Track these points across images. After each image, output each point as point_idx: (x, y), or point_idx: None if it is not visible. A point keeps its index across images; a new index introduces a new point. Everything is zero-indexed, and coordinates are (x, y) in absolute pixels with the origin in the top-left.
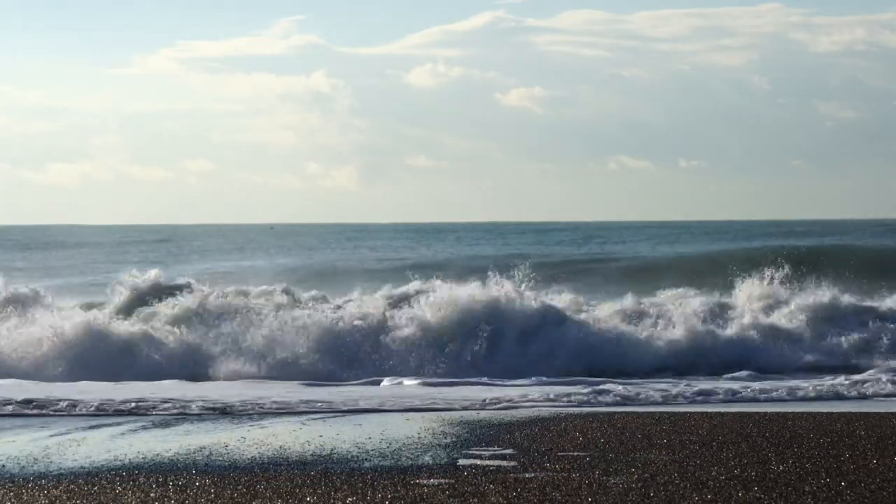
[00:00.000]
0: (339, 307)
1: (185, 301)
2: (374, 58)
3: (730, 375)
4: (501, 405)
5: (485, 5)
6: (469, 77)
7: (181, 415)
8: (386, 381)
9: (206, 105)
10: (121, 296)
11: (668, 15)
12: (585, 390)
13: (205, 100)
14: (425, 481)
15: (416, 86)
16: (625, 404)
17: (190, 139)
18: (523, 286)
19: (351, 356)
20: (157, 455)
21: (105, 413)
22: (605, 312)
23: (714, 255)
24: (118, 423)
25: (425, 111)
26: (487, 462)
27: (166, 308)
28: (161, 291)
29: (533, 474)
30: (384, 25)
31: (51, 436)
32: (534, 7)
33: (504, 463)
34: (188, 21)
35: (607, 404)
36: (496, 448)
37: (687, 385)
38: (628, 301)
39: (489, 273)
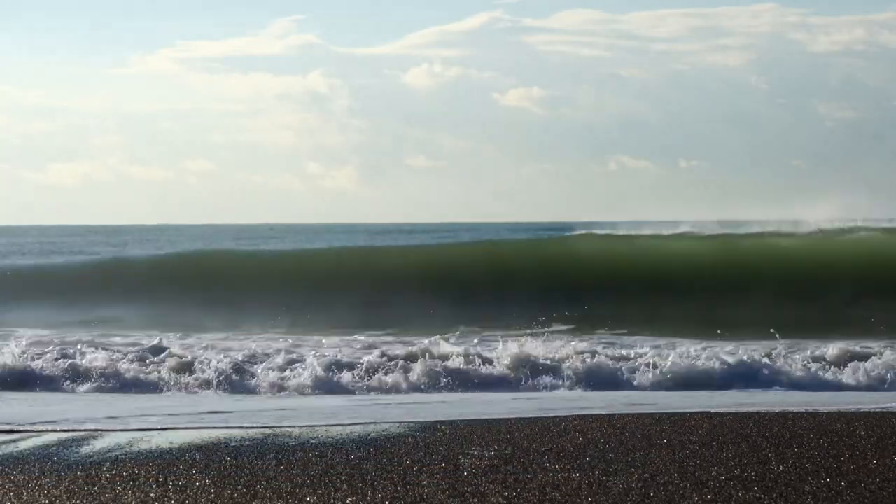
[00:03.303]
0: None
1: None
2: (371, 58)
3: None
4: None
5: (482, 5)
6: (467, 77)
7: None
8: None
9: (205, 105)
10: None
11: (665, 15)
12: None
13: (204, 100)
14: (425, 481)
15: (414, 86)
16: None
17: (189, 139)
18: None
19: None
20: (158, 455)
21: None
22: None
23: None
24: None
25: (424, 111)
26: (487, 462)
27: None
28: None
29: (533, 474)
30: (382, 25)
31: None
32: (531, 7)
33: (504, 463)
34: (187, 21)
35: None
36: (496, 448)
37: None
38: None
39: None
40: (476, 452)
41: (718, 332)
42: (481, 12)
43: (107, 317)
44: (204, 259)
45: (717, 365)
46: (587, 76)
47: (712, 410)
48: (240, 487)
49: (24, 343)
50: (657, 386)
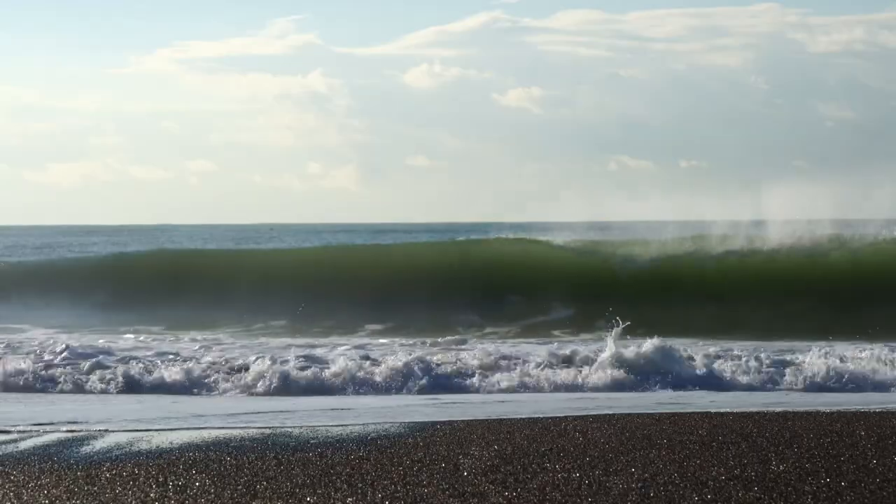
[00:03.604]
0: None
1: None
2: (371, 58)
3: None
4: None
5: (481, 6)
6: (466, 77)
7: None
8: None
9: (205, 105)
10: None
11: (664, 14)
12: None
13: (204, 100)
14: (425, 481)
15: (414, 86)
16: None
17: (189, 139)
18: None
19: None
20: (158, 455)
21: None
22: None
23: None
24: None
25: (423, 111)
26: (487, 462)
27: None
28: None
29: (533, 474)
30: (381, 26)
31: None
32: (530, 7)
33: (504, 463)
34: (186, 21)
35: None
36: (496, 448)
37: None
38: None
39: None
40: (476, 452)
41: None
42: (481, 12)
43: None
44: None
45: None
46: (587, 76)
47: (712, 410)
48: (240, 487)
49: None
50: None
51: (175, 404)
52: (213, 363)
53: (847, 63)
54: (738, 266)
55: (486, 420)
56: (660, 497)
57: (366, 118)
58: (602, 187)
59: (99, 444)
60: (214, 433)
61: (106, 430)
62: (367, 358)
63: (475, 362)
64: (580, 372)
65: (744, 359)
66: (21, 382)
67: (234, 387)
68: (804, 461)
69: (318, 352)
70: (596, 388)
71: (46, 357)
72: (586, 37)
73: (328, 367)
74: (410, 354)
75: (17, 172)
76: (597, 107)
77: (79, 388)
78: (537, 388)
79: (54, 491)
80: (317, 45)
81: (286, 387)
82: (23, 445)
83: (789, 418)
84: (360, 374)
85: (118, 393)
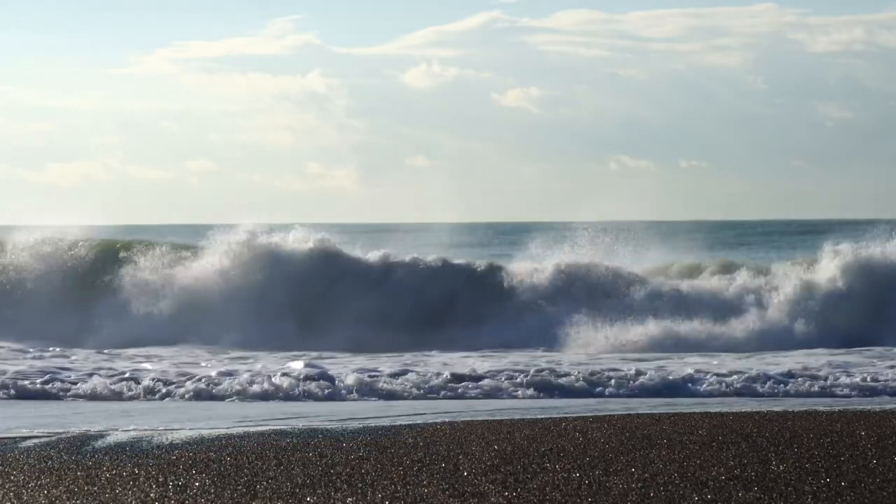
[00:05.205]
0: None
1: None
2: (370, 58)
3: None
4: None
5: (480, 5)
6: (465, 77)
7: None
8: None
9: (204, 105)
10: None
11: (663, 14)
12: None
13: (203, 100)
14: (425, 481)
15: (413, 86)
16: None
17: (189, 139)
18: None
19: None
20: (158, 455)
21: None
22: None
23: None
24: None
25: (423, 111)
26: (487, 462)
27: None
28: None
29: (533, 474)
30: (380, 26)
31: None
32: (529, 7)
33: (504, 463)
34: (186, 21)
35: None
36: (496, 448)
37: None
38: None
39: None
40: (476, 452)
41: None
42: (480, 12)
43: None
44: None
45: None
46: (587, 76)
47: (712, 410)
48: (240, 487)
49: None
50: None
51: None
52: None
53: (846, 63)
54: None
55: (487, 420)
56: (660, 497)
57: (365, 118)
58: (601, 187)
59: (99, 444)
60: (214, 433)
61: (106, 430)
62: None
63: None
64: None
65: None
66: None
67: None
68: (804, 461)
69: None
70: None
71: None
72: (586, 37)
73: None
74: None
75: (16, 172)
76: (596, 107)
77: None
78: None
79: (54, 491)
80: (316, 45)
81: None
82: (23, 445)
83: (789, 418)
84: None
85: None
